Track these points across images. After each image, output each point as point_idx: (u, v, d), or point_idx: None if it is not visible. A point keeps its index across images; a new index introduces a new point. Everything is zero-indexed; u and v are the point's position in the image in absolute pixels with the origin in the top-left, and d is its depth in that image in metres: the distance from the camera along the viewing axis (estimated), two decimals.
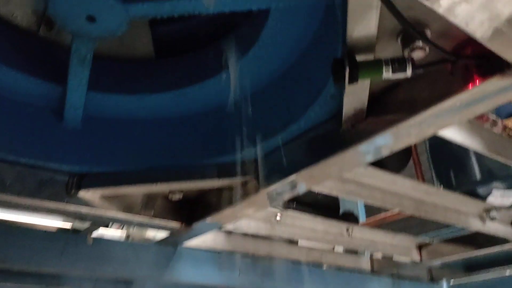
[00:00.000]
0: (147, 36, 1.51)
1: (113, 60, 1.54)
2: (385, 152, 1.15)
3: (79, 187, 1.37)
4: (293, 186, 1.30)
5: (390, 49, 0.97)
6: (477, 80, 0.90)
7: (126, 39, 1.50)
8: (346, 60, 0.90)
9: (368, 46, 0.92)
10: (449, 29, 0.91)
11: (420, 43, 0.90)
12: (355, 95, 1.07)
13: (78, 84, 1.34)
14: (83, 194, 1.38)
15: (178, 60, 1.55)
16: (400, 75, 0.91)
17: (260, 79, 1.41)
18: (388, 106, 1.13)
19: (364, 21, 0.86)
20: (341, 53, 1.00)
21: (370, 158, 1.16)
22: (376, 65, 0.91)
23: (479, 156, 1.95)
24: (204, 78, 1.46)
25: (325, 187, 1.51)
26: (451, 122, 1.03)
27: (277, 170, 1.30)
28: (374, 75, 0.91)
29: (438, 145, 2.15)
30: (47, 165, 1.33)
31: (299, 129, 1.31)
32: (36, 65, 1.38)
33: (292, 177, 1.25)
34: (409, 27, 0.85)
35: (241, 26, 1.43)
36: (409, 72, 0.91)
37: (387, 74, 0.91)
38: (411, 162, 2.21)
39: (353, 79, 0.91)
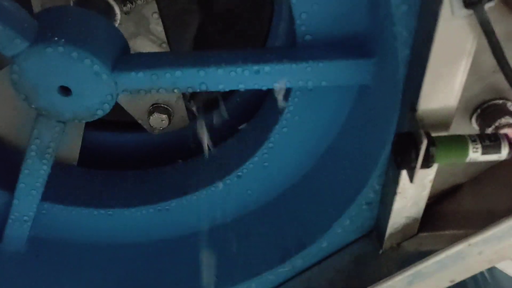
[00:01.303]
0: None
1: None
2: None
3: None
4: None
5: (462, 126, 0.75)
6: None
7: None
8: (418, 136, 0.66)
9: (443, 121, 0.69)
10: None
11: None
12: (410, 198, 0.80)
13: (31, 187, 1.02)
14: None
15: (160, 169, 1.28)
16: (491, 157, 0.67)
17: (266, 190, 1.14)
18: (445, 216, 0.87)
19: (445, 90, 0.65)
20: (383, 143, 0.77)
21: None
22: (460, 143, 0.67)
23: None
24: (194, 189, 1.17)
25: None
26: None
27: None
28: (457, 157, 0.67)
29: None
30: None
31: (320, 252, 1.00)
32: None
33: None
34: None
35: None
36: (504, 152, 0.67)
37: (475, 154, 0.66)
38: None
39: (428, 162, 0.66)
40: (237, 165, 1.12)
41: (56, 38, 0.80)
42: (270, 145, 1.07)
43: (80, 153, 1.25)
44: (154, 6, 1.01)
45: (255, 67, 0.87)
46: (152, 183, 1.24)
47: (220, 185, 1.14)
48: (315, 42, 0.90)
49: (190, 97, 1.21)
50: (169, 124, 1.15)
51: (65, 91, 0.86)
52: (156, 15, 1.02)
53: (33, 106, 0.88)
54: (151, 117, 1.13)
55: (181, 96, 1.12)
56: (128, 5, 0.98)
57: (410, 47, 0.68)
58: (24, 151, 0.98)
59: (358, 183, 0.91)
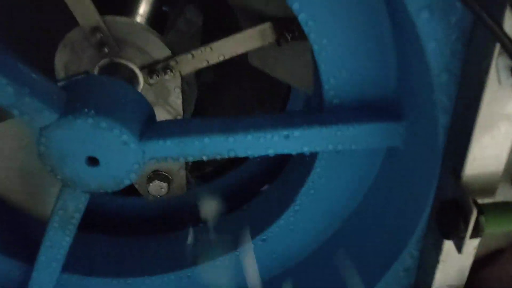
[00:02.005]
0: None
1: None
2: None
3: None
4: None
5: (504, 190, 0.73)
6: None
7: None
8: (466, 205, 0.63)
9: (489, 187, 0.67)
10: None
11: None
12: (454, 266, 0.77)
13: (52, 259, 0.98)
14: None
15: (180, 233, 1.24)
16: None
17: (291, 253, 1.10)
18: (488, 281, 0.83)
19: (491, 156, 0.63)
20: (432, 204, 0.75)
21: None
22: (509, 211, 0.64)
23: None
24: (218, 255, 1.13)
25: None
26: None
27: None
28: (507, 225, 0.64)
29: None
30: None
31: None
32: None
33: None
34: None
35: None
36: None
37: None
38: None
39: (478, 231, 0.63)
40: (261, 228, 1.09)
41: (85, 110, 0.79)
42: (296, 208, 1.04)
43: (94, 219, 1.23)
44: (178, 81, 1.02)
45: (285, 132, 0.86)
46: (171, 249, 1.21)
47: (244, 250, 1.11)
48: (343, 105, 0.89)
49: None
50: (167, 192, 1.10)
51: (92, 161, 0.84)
52: (178, 90, 1.03)
53: (58, 177, 0.86)
54: (151, 184, 1.08)
55: (184, 165, 1.08)
56: (155, 78, 0.99)
57: (450, 114, 0.67)
58: (34, 215, 0.96)
59: (394, 249, 0.88)
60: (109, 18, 0.96)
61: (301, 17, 0.79)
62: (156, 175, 1.10)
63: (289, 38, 0.98)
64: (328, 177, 1.00)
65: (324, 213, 1.05)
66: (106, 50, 0.95)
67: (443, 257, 0.76)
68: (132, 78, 0.98)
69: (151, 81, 0.99)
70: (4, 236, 1.09)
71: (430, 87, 0.67)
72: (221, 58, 1.01)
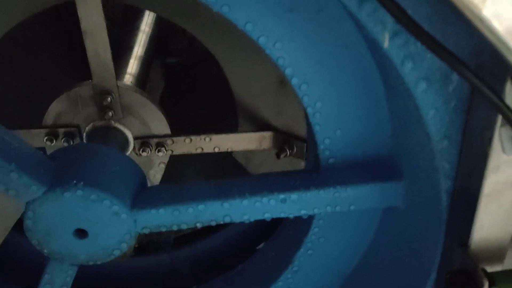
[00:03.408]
0: None
1: None
2: None
3: None
4: None
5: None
6: None
7: None
8: (476, 276, 0.61)
9: (497, 255, 0.64)
10: None
11: None
12: None
13: None
14: None
15: None
16: None
17: None
18: None
19: (500, 224, 0.62)
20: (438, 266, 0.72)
21: None
22: None
23: None
24: None
25: None
26: None
27: None
28: None
29: None
30: None
31: None
32: None
33: None
34: None
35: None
36: None
37: None
38: None
39: None
40: None
41: (74, 182, 0.76)
42: (295, 268, 1.01)
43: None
44: (166, 159, 1.01)
45: (281, 196, 0.83)
46: None
47: None
48: (339, 164, 0.87)
49: None
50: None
51: (81, 233, 0.81)
52: (162, 165, 1.02)
53: (45, 251, 0.82)
54: None
55: None
56: (147, 151, 0.98)
57: (452, 179, 0.65)
58: None
59: None
60: (122, 84, 0.96)
61: (294, 81, 0.78)
62: None
63: (288, 153, 1.00)
64: (326, 236, 0.97)
65: (323, 272, 1.02)
66: (110, 114, 0.93)
67: None
68: (123, 146, 0.96)
69: (143, 154, 0.97)
70: None
71: (431, 153, 0.66)
72: (216, 150, 1.02)
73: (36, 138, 0.99)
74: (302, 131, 1.04)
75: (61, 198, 0.76)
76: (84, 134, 0.99)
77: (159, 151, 0.98)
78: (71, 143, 1.00)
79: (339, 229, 0.96)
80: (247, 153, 1.08)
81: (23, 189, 0.74)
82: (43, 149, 1.01)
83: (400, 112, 0.76)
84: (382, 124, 0.82)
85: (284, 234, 1.10)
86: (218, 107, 1.31)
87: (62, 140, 0.99)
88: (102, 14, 0.85)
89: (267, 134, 1.03)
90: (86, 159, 0.83)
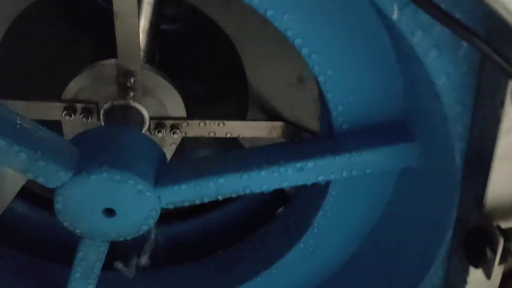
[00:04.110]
0: None
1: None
2: None
3: None
4: None
5: None
6: None
7: None
8: (492, 234, 0.63)
9: (511, 211, 0.67)
10: None
11: None
12: (481, 286, 0.77)
13: None
14: None
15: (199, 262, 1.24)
16: None
17: (313, 274, 1.10)
18: None
19: None
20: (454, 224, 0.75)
21: None
22: None
23: None
24: (240, 282, 1.13)
25: None
26: None
27: None
28: None
29: None
30: None
31: None
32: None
33: None
34: None
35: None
36: None
37: None
38: None
39: (506, 258, 0.63)
40: (281, 253, 1.09)
41: (98, 165, 0.79)
42: (315, 230, 1.04)
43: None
44: (178, 140, 1.03)
45: (298, 165, 0.86)
46: (192, 279, 1.21)
47: (266, 274, 1.11)
48: (353, 129, 0.89)
49: None
50: None
51: (109, 212, 0.84)
52: (174, 146, 1.04)
53: (77, 231, 0.86)
54: None
55: None
56: (162, 133, 0.99)
57: (466, 141, 0.66)
58: None
59: (420, 269, 0.88)
60: (147, 67, 0.97)
61: (304, 51, 0.79)
62: None
63: None
64: (344, 198, 0.99)
65: (343, 232, 1.05)
66: (131, 94, 0.95)
67: (470, 278, 0.76)
68: (139, 125, 0.98)
69: (158, 134, 0.99)
70: (30, 285, 1.09)
71: (443, 117, 0.67)
72: (228, 135, 1.04)
73: (54, 111, 1.00)
74: (313, 125, 1.05)
75: (88, 181, 0.79)
76: (102, 111, 1.00)
77: (174, 133, 1.00)
78: (89, 119, 1.01)
79: (356, 190, 0.99)
80: (254, 140, 1.09)
81: (51, 176, 0.78)
82: (59, 123, 1.03)
83: (411, 76, 0.76)
84: (394, 88, 0.83)
85: (302, 198, 1.13)
86: (223, 82, 1.30)
87: (81, 116, 1.00)
88: None
89: (278, 124, 1.04)
90: (108, 141, 0.85)
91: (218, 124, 1.02)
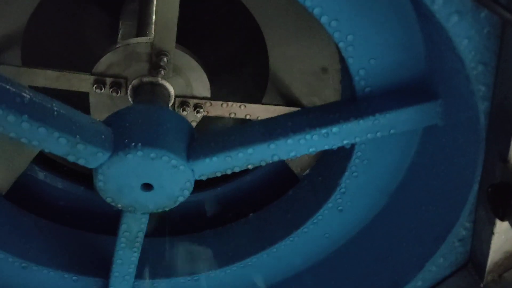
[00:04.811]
0: None
1: None
2: None
3: None
4: None
5: None
6: None
7: None
8: None
9: None
10: None
11: None
12: (508, 235, 0.80)
13: (124, 273, 1.06)
14: None
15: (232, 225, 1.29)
16: None
17: (343, 231, 1.14)
18: None
19: None
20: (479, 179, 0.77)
21: None
22: None
23: None
24: (272, 242, 1.18)
25: None
26: None
27: None
28: None
29: None
30: None
31: None
32: (71, 257, 1.13)
33: None
34: None
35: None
36: None
37: None
38: None
39: None
40: (311, 212, 1.13)
41: (133, 144, 0.83)
42: (342, 190, 1.08)
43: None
44: (198, 118, 1.07)
45: (323, 131, 0.88)
46: (228, 241, 1.26)
47: (297, 234, 1.15)
48: (375, 92, 0.90)
49: None
50: None
51: (147, 187, 0.89)
52: (194, 123, 1.07)
53: (119, 205, 0.92)
54: None
55: None
56: (186, 111, 1.04)
57: (489, 100, 0.68)
58: None
59: (447, 221, 0.91)
60: (179, 47, 0.99)
61: (323, 20, 0.79)
62: None
63: None
64: (369, 159, 1.02)
65: (369, 191, 1.08)
66: (162, 73, 0.98)
67: (496, 229, 0.79)
68: (165, 102, 1.01)
69: (182, 112, 1.03)
70: (76, 256, 1.16)
71: (466, 78, 0.68)
72: (247, 117, 1.07)
73: (84, 83, 1.03)
74: None
75: (125, 159, 0.84)
76: (130, 86, 1.03)
77: (197, 112, 1.04)
78: (118, 93, 1.04)
79: (381, 150, 1.01)
80: None
81: (91, 157, 0.82)
82: (86, 94, 1.06)
83: (433, 38, 0.76)
84: (416, 50, 0.83)
85: (328, 160, 1.16)
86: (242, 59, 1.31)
87: (110, 90, 1.04)
88: None
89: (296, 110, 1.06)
90: (141, 120, 0.89)
91: (240, 106, 1.05)
